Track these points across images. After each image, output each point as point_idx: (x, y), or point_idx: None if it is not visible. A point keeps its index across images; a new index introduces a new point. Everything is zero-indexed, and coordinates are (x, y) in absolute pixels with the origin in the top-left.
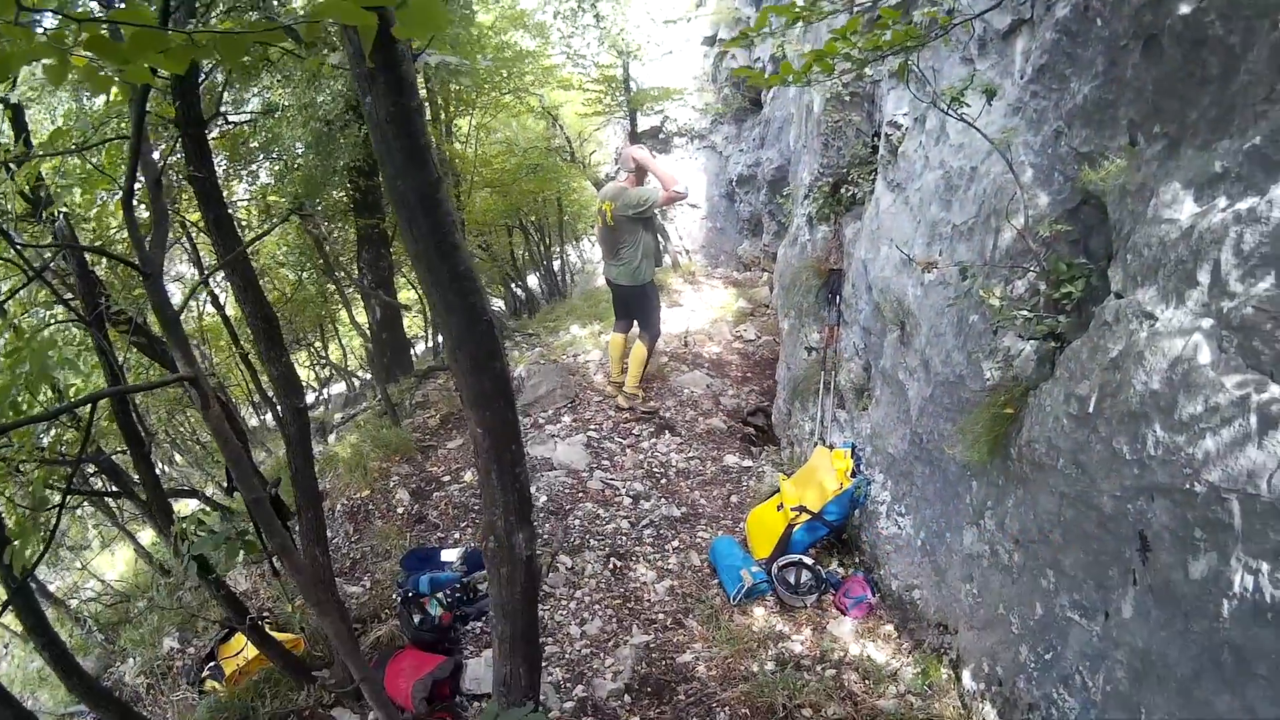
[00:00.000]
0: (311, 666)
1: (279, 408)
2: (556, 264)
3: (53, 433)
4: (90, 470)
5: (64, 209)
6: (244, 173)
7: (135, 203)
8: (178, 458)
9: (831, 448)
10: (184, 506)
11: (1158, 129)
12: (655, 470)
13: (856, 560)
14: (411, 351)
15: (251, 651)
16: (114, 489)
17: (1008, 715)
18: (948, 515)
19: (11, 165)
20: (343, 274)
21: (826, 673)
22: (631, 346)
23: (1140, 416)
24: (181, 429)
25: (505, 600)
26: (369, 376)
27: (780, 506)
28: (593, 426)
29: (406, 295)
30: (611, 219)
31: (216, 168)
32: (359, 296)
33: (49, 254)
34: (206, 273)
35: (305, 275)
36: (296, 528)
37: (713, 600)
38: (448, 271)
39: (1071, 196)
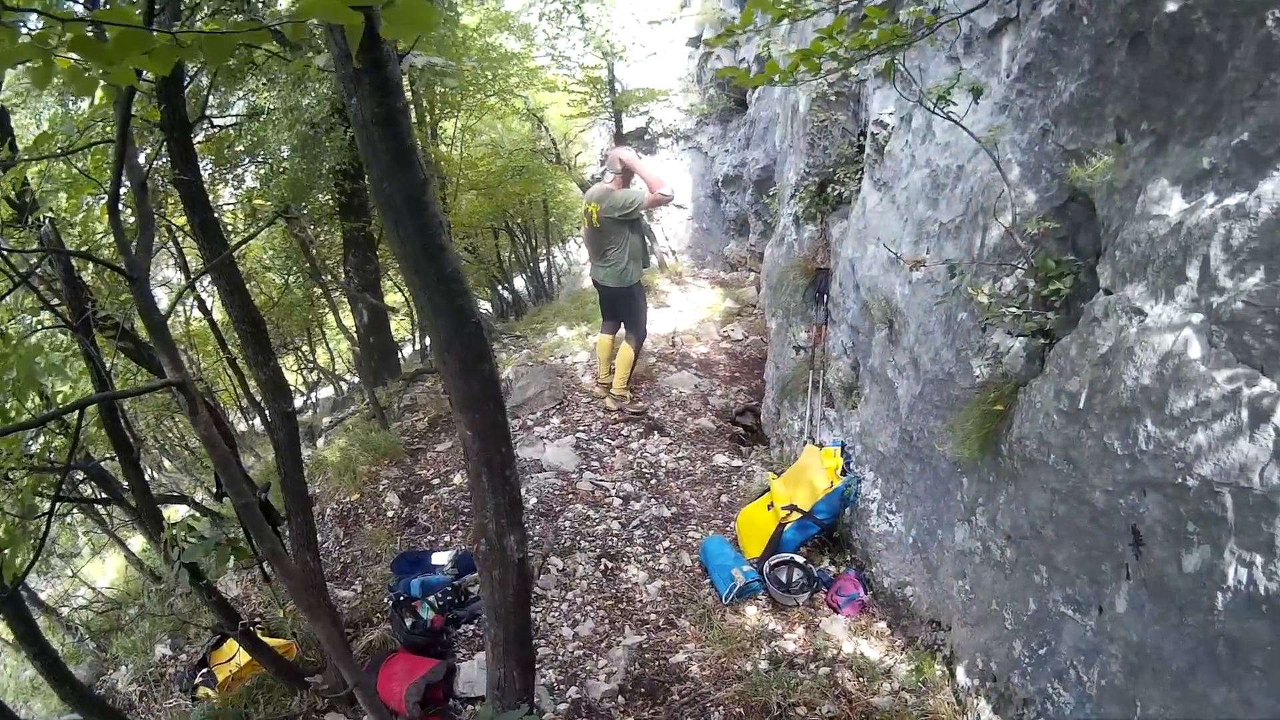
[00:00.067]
0: (304, 672)
1: (267, 412)
2: (543, 266)
3: (41, 439)
4: (79, 477)
5: (49, 214)
6: (230, 176)
7: (121, 207)
8: (166, 463)
9: (821, 446)
10: (174, 513)
11: (1145, 126)
12: (645, 471)
13: (848, 558)
14: (399, 354)
15: (244, 658)
16: (103, 496)
17: (1003, 711)
18: (939, 512)
19: None
20: (329, 277)
21: (820, 671)
22: (619, 348)
23: (1131, 412)
24: (170, 435)
25: (498, 603)
26: (357, 380)
27: (771, 505)
28: (581, 428)
29: (394, 298)
30: (597, 221)
31: (202, 171)
32: (346, 300)
33: (35, 259)
34: (193, 277)
35: (292, 279)
36: (287, 533)
37: (705, 600)
38: (435, 273)
39: (1059, 194)
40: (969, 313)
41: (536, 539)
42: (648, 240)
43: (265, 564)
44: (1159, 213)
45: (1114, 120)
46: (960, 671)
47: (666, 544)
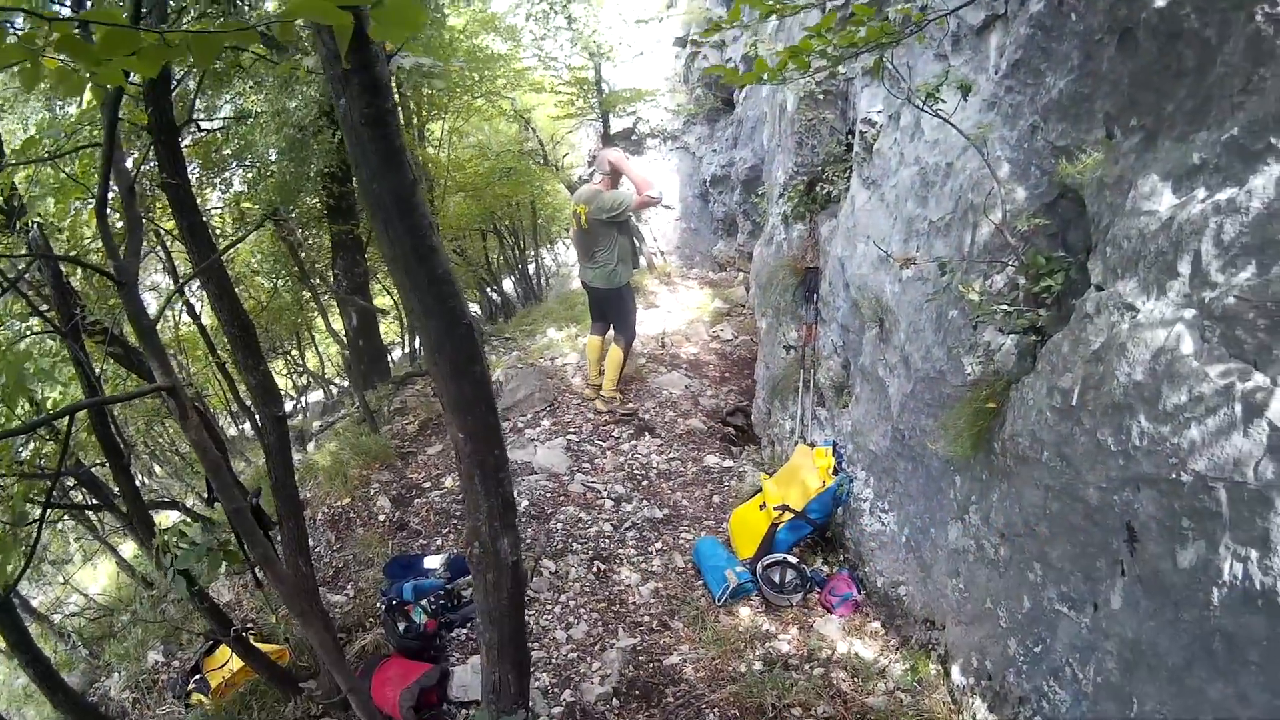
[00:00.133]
0: (298, 677)
1: (257, 417)
2: (531, 267)
3: (31, 446)
4: (70, 483)
5: (38, 218)
6: (218, 180)
7: (109, 211)
8: (157, 469)
9: (813, 446)
10: (165, 518)
11: (1134, 122)
12: (636, 472)
13: (841, 558)
14: (389, 358)
15: (237, 663)
16: (94, 502)
17: (998, 709)
18: (932, 511)
19: None
20: (318, 280)
21: (815, 671)
22: (608, 349)
23: (1124, 408)
24: (160, 440)
25: (492, 606)
26: (347, 383)
27: (763, 506)
28: (572, 429)
29: (383, 301)
30: (586, 222)
31: (190, 175)
32: (335, 303)
33: (23, 264)
34: (182, 281)
35: (281, 282)
36: (278, 537)
37: (698, 601)
38: (425, 275)
39: (1049, 190)
40: (960, 310)
41: (528, 542)
42: (636, 241)
43: (257, 569)
44: (1149, 208)
45: (1103, 116)
46: (955, 670)
47: (659, 545)
